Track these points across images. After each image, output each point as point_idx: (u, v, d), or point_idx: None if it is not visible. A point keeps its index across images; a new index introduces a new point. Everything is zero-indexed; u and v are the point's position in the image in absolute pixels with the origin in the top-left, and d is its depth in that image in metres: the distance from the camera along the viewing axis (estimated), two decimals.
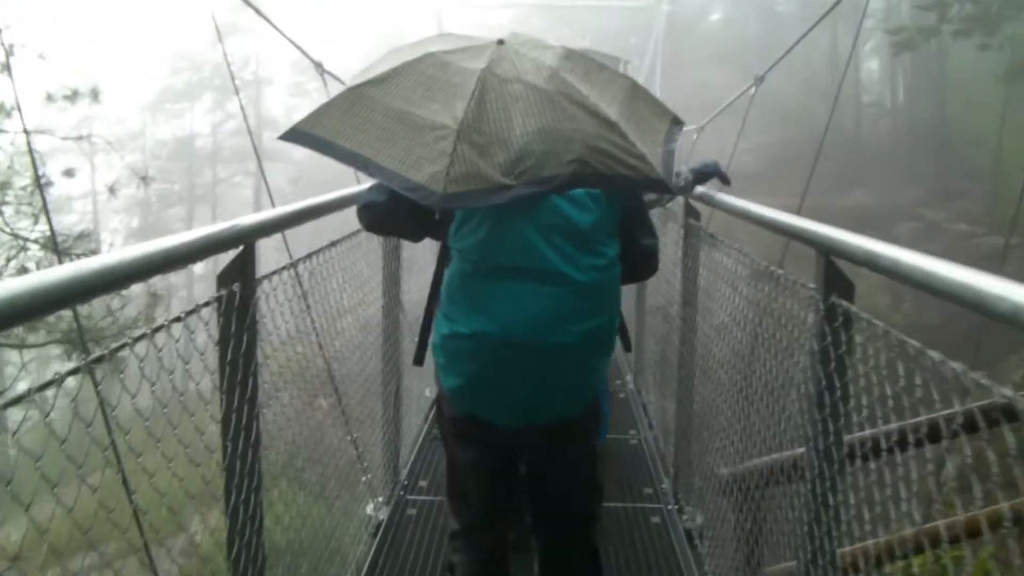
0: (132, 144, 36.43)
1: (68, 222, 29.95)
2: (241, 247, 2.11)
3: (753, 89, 5.90)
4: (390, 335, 4.17)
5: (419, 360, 2.87)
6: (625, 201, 2.40)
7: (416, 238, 3.23)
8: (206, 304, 1.93)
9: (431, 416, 5.45)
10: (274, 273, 2.37)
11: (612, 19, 30.53)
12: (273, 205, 3.02)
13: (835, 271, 2.04)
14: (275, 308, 2.40)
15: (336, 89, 2.30)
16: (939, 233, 19.84)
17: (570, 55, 2.22)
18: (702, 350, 3.86)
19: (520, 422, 2.37)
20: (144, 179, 10.28)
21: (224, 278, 2.08)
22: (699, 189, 3.45)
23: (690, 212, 3.89)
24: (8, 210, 7.66)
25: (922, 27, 18.02)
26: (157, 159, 36.20)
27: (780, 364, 2.51)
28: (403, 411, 4.52)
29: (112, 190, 10.17)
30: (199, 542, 4.77)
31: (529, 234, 2.20)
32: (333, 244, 3.10)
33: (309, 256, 2.85)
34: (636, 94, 2.25)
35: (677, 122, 2.29)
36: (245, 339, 2.08)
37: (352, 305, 3.56)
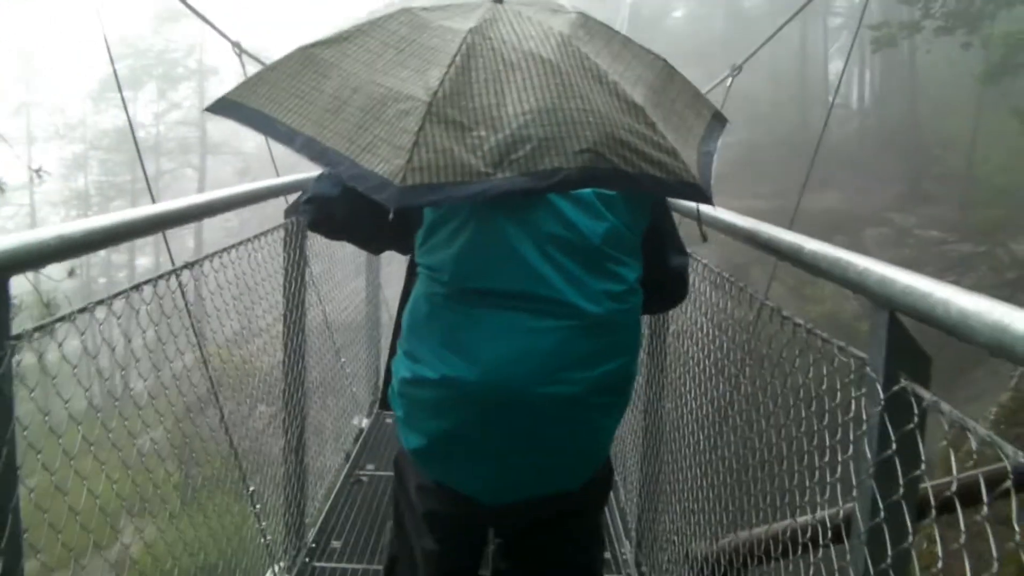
0: (72, 135, 35.27)
1: (4, 214, 28.82)
2: None
3: (729, 80, 5.21)
4: (290, 369, 3.40)
5: (384, 404, 2.10)
6: (654, 210, 1.90)
7: (375, 248, 2.60)
8: None
9: (353, 455, 4.71)
10: (57, 320, 1.59)
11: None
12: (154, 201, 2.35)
13: (903, 336, 1.32)
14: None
15: None
16: (909, 239, 19.43)
17: (587, 23, 1.75)
18: (671, 395, 3.17)
19: (506, 498, 1.81)
20: (38, 172, 9.46)
21: None
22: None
23: None
24: None
25: (904, 23, 17.50)
26: (97, 149, 34.83)
27: (791, 461, 1.79)
28: (310, 457, 3.75)
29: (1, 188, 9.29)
30: None
31: (522, 247, 1.68)
32: (187, 266, 2.32)
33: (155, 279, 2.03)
34: (670, 79, 1.79)
35: (719, 118, 1.82)
36: None
37: (236, 334, 2.85)
